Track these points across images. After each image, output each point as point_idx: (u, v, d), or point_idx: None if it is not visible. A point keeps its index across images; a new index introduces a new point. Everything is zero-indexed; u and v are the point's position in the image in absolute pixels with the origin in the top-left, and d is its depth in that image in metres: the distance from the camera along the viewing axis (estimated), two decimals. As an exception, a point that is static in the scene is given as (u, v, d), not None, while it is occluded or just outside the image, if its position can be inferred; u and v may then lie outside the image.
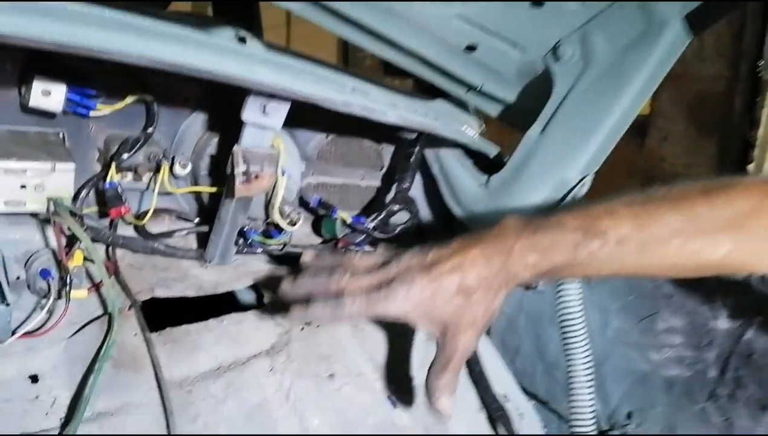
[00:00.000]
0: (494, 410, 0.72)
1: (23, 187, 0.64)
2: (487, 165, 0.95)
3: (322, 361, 0.73)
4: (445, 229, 1.01)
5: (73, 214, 0.66)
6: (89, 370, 0.65)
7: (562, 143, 0.83)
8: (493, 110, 0.97)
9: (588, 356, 0.78)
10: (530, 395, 0.96)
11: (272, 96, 0.69)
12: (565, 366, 0.95)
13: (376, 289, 0.59)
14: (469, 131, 0.94)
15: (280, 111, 0.71)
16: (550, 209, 0.84)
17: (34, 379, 0.64)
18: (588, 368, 0.78)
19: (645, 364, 0.86)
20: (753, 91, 3.14)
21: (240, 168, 0.71)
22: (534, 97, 0.88)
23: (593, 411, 0.78)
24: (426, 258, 0.60)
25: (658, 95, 3.59)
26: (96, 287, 0.73)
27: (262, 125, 0.71)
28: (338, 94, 0.73)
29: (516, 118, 0.93)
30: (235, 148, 0.71)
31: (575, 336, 0.78)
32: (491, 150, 0.94)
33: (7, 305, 0.62)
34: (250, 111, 0.69)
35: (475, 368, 0.78)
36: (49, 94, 0.68)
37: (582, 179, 0.81)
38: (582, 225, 0.57)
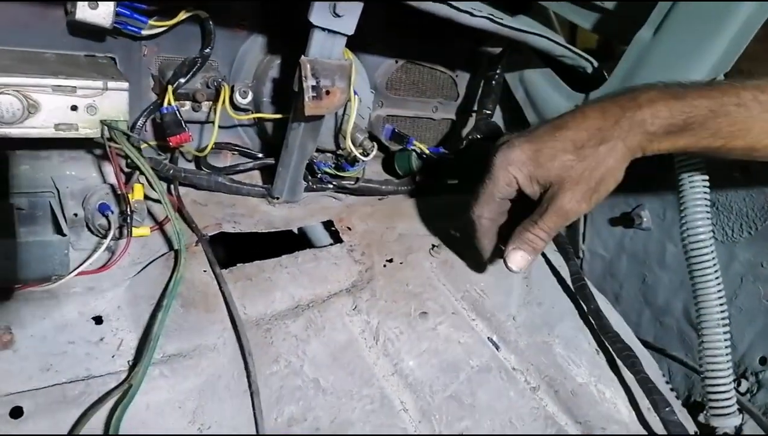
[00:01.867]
0: (618, 351, 0.62)
1: (74, 108, 0.57)
2: (582, 83, 0.83)
3: (412, 299, 0.64)
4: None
5: (129, 139, 0.59)
6: (156, 310, 0.58)
7: (681, 44, 0.70)
8: (586, 22, 0.84)
9: (722, 295, 0.67)
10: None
11: (344, -8, 0.60)
12: (679, 310, 0.84)
13: None
14: (564, 44, 0.82)
15: (353, 12, 0.61)
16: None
17: (98, 320, 0.58)
18: (723, 309, 0.66)
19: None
20: None
21: (309, 81, 0.62)
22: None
23: (729, 359, 0.66)
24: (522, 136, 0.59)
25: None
26: (159, 224, 0.67)
27: (333, 30, 0.62)
28: (417, -9, 0.63)
29: (616, 27, 0.81)
30: (303, 58, 0.62)
31: (706, 270, 0.66)
32: (588, 64, 0.82)
33: (64, 235, 0.56)
34: (319, 13, 0.60)
35: (591, 305, 0.67)
36: (97, 7, 0.60)
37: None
38: (717, 87, 0.56)
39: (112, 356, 0.55)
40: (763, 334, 0.76)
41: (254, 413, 0.52)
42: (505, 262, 0.59)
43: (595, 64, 0.81)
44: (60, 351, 0.54)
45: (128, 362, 0.55)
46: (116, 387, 0.52)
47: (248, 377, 0.54)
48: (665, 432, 0.59)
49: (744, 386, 0.78)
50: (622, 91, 0.58)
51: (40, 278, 0.56)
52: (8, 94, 0.54)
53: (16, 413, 0.48)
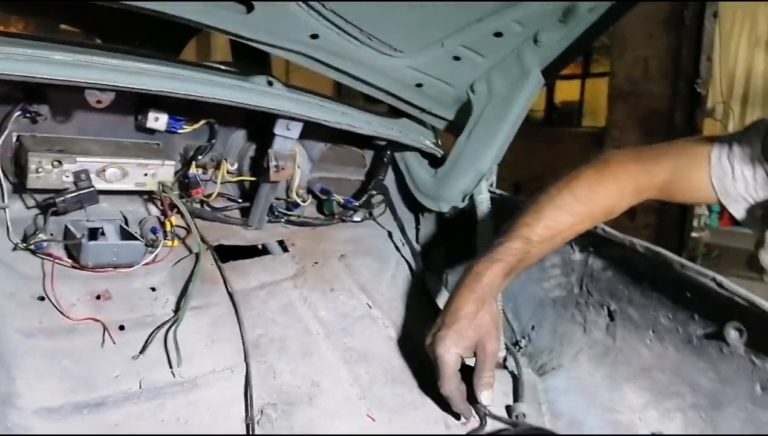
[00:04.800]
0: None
1: (146, 174, 1.08)
2: (435, 162, 1.39)
3: (326, 283, 1.17)
4: (409, 204, 1.45)
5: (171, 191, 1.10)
6: (186, 284, 1.07)
7: (478, 145, 1.27)
8: (440, 124, 1.41)
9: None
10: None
11: (293, 119, 1.13)
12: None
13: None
14: (425, 140, 1.38)
15: (297, 128, 1.15)
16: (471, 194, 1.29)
17: (153, 289, 1.07)
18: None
19: (541, 291, 1.29)
20: (692, 105, 3.62)
21: (272, 162, 1.15)
22: (464, 115, 1.33)
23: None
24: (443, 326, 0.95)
25: (613, 110, 4.12)
26: (182, 239, 1.16)
27: (286, 137, 1.15)
28: (333, 116, 1.17)
29: (453, 130, 1.38)
30: (270, 151, 1.15)
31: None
32: (438, 152, 1.38)
33: (140, 240, 1.05)
34: (279, 128, 1.14)
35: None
36: (158, 120, 1.11)
37: (490, 169, 1.26)
38: (515, 237, 0.98)
39: (163, 306, 1.04)
40: (533, 312, 1.29)
41: (241, 333, 1.01)
42: (479, 401, 0.94)
43: (440, 153, 1.38)
44: (136, 302, 1.03)
45: (172, 310, 1.04)
46: (169, 320, 1.00)
47: (237, 317, 1.04)
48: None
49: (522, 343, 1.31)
50: (465, 274, 0.98)
51: (125, 265, 1.04)
52: (113, 167, 1.05)
53: (122, 327, 0.96)
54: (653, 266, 1.01)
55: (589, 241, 1.14)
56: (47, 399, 0.81)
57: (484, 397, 0.94)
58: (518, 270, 1.01)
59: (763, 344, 0.86)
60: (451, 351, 0.93)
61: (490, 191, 1.27)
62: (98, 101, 0.98)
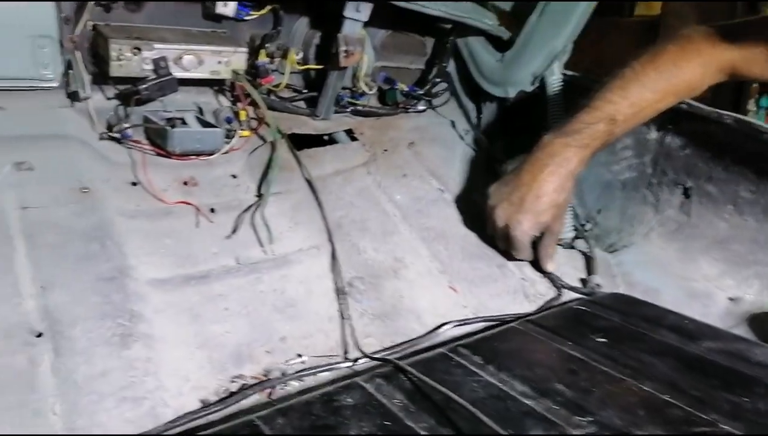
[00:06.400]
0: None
1: (219, 62, 1.08)
2: (501, 46, 1.35)
3: (398, 168, 1.18)
4: (469, 93, 1.43)
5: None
6: (265, 172, 1.10)
7: (551, 25, 1.22)
8: (507, 6, 1.35)
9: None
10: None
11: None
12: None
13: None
14: (490, 22, 1.33)
15: (367, 9, 1.12)
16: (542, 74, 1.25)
17: (234, 176, 1.10)
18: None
19: (609, 174, 1.28)
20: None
21: (342, 47, 1.13)
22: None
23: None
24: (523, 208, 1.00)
25: (668, -5, 3.83)
26: (254, 130, 1.18)
27: (356, 19, 1.13)
28: (401, -2, 1.14)
29: (522, 10, 1.33)
30: (339, 35, 1.13)
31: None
32: (504, 34, 1.33)
33: (219, 127, 1.08)
34: (349, 10, 1.11)
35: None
36: (226, 5, 1.10)
37: (564, 48, 1.21)
38: (600, 118, 0.99)
39: (245, 192, 1.08)
40: (599, 196, 1.29)
41: (323, 215, 1.05)
42: (546, 270, 1.03)
43: (508, 34, 1.33)
44: (220, 188, 1.07)
45: (254, 196, 1.08)
46: (253, 204, 1.04)
47: (316, 200, 1.08)
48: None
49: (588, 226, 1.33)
50: (547, 155, 1.01)
51: (207, 152, 1.07)
52: (190, 54, 1.05)
53: (212, 210, 1.01)
54: (739, 138, 0.99)
55: (669, 118, 1.11)
56: (157, 272, 0.87)
57: (549, 266, 1.03)
58: (598, 151, 1.02)
59: None
60: (528, 233, 1.00)
61: (562, 73, 1.23)
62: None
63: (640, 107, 1.00)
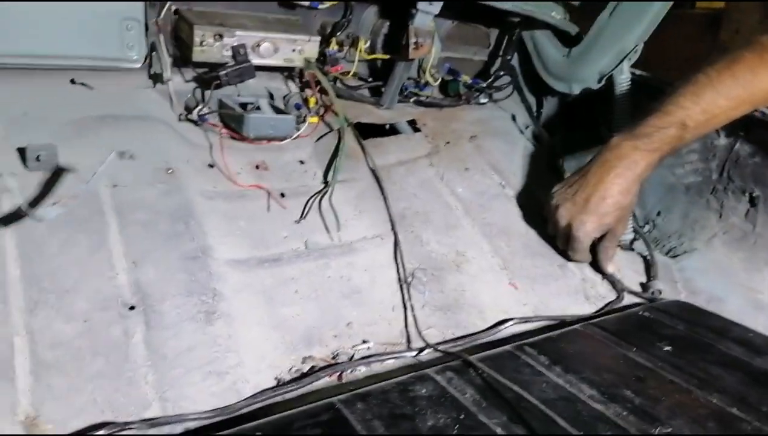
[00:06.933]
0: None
1: (293, 50, 1.11)
2: (568, 41, 1.33)
3: (459, 161, 1.20)
4: (532, 87, 1.43)
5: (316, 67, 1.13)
6: (331, 159, 1.13)
7: (623, 23, 1.21)
8: (576, 1, 1.34)
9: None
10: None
11: (436, -8, 1.11)
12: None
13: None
14: (558, 16, 1.32)
15: (439, 2, 1.13)
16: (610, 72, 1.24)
17: (302, 162, 1.13)
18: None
19: (672, 177, 1.27)
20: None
21: (412, 39, 1.14)
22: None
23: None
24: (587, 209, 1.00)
25: (733, -10, 3.65)
26: (321, 117, 1.21)
27: (428, 12, 1.13)
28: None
29: (592, 7, 1.31)
30: (410, 26, 1.14)
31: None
32: (572, 29, 1.32)
33: (291, 114, 1.11)
34: (423, 2, 1.12)
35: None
36: (301, -6, 1.12)
37: (635, 47, 1.20)
38: (671, 122, 0.96)
39: (312, 178, 1.11)
40: (660, 198, 1.28)
41: (386, 205, 1.07)
42: (606, 271, 1.03)
43: (576, 30, 1.32)
44: (289, 173, 1.10)
45: (321, 182, 1.11)
46: (320, 191, 1.07)
47: (381, 189, 1.10)
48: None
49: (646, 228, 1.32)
50: (616, 157, 0.99)
51: (279, 137, 1.11)
52: (267, 42, 1.08)
53: (282, 195, 1.04)
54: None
55: (740, 125, 1.09)
56: (234, 253, 0.91)
57: (610, 267, 1.03)
58: (667, 156, 1.01)
59: None
60: (590, 235, 1.00)
61: (630, 72, 1.22)
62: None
63: (712, 114, 0.98)
